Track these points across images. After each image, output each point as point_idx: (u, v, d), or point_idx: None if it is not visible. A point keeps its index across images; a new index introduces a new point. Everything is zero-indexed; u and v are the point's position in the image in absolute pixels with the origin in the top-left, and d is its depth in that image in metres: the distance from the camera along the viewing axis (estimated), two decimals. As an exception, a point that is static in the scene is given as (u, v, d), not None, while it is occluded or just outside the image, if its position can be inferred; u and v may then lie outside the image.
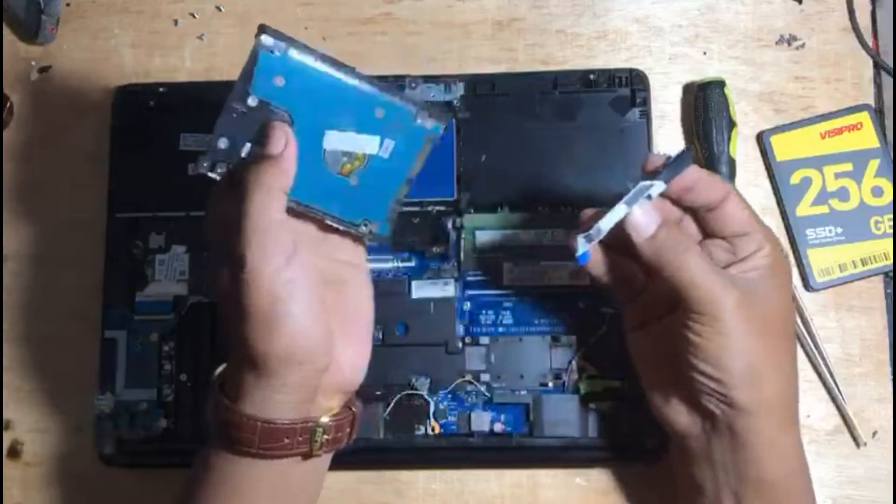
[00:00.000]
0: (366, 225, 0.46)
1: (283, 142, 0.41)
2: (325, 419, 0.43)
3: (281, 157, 0.41)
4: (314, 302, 0.41)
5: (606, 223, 0.45)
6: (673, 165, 0.44)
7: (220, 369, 0.44)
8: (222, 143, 0.42)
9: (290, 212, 0.43)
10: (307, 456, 0.43)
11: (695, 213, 0.46)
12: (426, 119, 0.44)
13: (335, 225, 0.45)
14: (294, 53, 0.42)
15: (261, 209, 0.40)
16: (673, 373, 0.45)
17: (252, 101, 0.42)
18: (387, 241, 0.48)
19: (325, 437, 0.43)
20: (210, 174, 0.42)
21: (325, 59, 0.42)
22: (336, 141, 0.43)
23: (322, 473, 0.46)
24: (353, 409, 0.45)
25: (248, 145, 0.42)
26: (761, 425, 0.43)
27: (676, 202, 0.46)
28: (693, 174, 0.44)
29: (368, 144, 0.44)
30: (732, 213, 0.45)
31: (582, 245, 0.46)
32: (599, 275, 0.47)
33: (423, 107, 0.44)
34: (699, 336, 0.43)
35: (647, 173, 0.45)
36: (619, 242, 0.45)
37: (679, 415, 0.46)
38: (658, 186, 0.44)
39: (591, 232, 0.45)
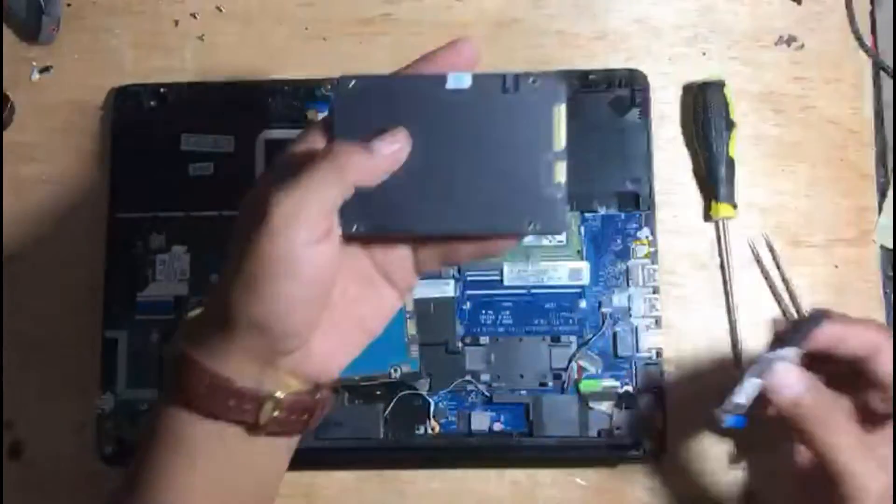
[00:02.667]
0: (395, 370, 0.49)
1: (396, 146, 0.37)
2: (278, 394, 0.39)
3: (381, 155, 0.37)
4: (314, 290, 0.37)
5: (741, 397, 0.42)
6: (805, 326, 0.41)
7: (195, 312, 0.40)
8: None
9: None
10: (252, 428, 0.39)
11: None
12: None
13: (368, 383, 0.47)
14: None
15: (321, 188, 0.36)
16: None
17: None
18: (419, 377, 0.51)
19: (275, 412, 0.38)
20: None
21: None
22: None
23: (275, 465, 0.42)
24: (318, 396, 0.40)
25: None
26: None
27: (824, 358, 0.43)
28: (828, 332, 0.41)
29: None
30: (885, 365, 0.41)
31: (724, 420, 0.43)
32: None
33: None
34: (819, 490, 0.41)
35: (778, 340, 0.42)
36: None
37: None
38: (789, 353, 0.41)
39: (727, 407, 0.42)
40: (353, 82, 0.38)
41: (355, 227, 0.38)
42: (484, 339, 0.53)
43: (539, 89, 0.38)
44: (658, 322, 0.53)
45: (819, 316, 0.42)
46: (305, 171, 0.36)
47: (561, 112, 0.38)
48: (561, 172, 0.38)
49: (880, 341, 0.42)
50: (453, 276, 0.54)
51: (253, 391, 0.38)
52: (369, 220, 0.38)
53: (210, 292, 0.40)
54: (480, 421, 0.53)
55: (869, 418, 0.43)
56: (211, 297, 0.39)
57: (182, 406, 0.38)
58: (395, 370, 0.51)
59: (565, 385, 0.53)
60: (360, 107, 0.38)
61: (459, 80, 0.38)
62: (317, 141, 0.39)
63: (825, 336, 0.42)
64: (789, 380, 0.41)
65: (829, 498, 0.41)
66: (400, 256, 0.40)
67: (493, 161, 0.38)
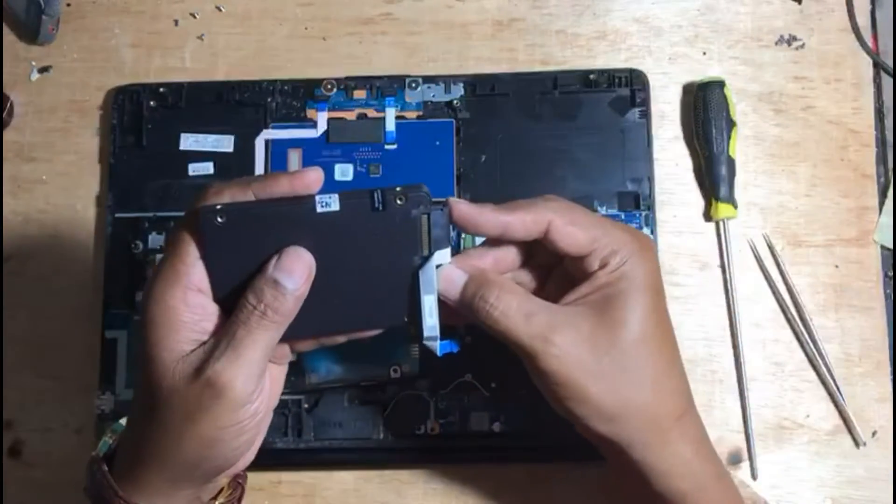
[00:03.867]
0: (395, 370, 0.50)
1: (305, 276, 0.39)
2: (219, 502, 0.42)
3: (299, 292, 0.39)
4: (265, 424, 0.41)
5: (430, 320, 0.41)
6: (432, 231, 0.41)
7: (110, 439, 0.42)
8: None
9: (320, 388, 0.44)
10: None
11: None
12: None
13: (368, 383, 0.48)
14: None
15: (261, 344, 0.38)
16: None
17: None
18: (419, 377, 0.52)
19: None
20: None
21: None
22: None
23: None
24: (241, 481, 0.44)
25: None
26: (635, 456, 0.41)
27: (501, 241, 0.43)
28: (495, 220, 0.41)
29: None
30: (559, 240, 0.41)
31: (437, 349, 0.42)
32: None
33: None
34: (540, 385, 0.41)
35: (423, 256, 0.41)
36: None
37: (579, 431, 0.44)
38: (439, 256, 0.41)
39: (428, 335, 0.42)
40: (220, 216, 0.38)
41: None
42: (484, 340, 0.53)
43: (405, 204, 0.40)
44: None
45: (424, 197, 0.41)
46: (242, 335, 0.38)
47: (428, 221, 0.40)
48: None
49: (547, 215, 0.41)
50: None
51: None
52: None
53: (135, 439, 0.40)
54: (480, 421, 0.53)
55: (567, 282, 0.43)
56: (140, 444, 0.40)
57: None
58: (395, 370, 0.51)
59: (565, 385, 0.53)
60: (233, 236, 0.39)
61: (327, 204, 0.39)
62: (186, 277, 0.38)
63: (490, 225, 0.41)
64: (451, 277, 0.41)
65: (540, 381, 0.41)
66: (282, 346, 0.42)
67: (373, 266, 0.41)
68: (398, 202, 0.40)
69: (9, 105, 0.59)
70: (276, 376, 0.43)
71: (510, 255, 0.44)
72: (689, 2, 0.59)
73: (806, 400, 0.54)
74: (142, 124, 0.57)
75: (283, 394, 0.44)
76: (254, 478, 0.53)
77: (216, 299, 0.39)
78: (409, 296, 0.41)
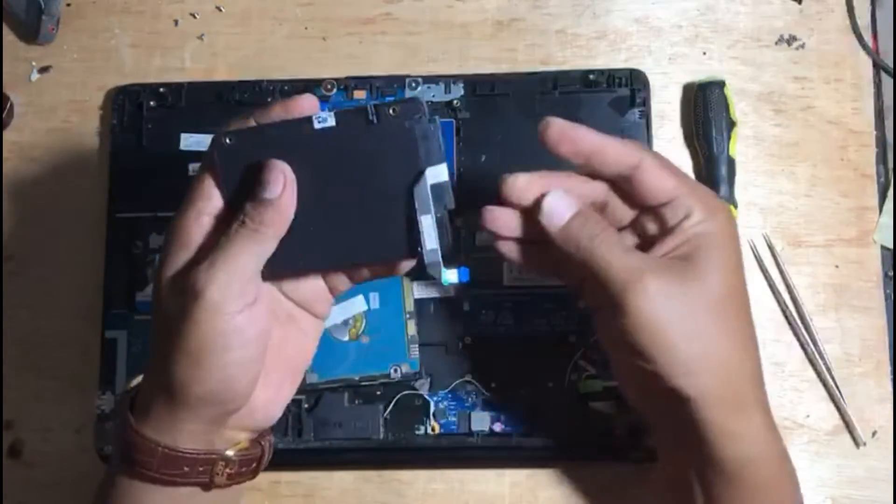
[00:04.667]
0: (395, 370, 0.49)
1: (282, 184, 0.39)
2: (229, 452, 0.41)
3: (279, 201, 0.39)
4: (256, 350, 0.40)
5: (430, 243, 0.40)
6: (424, 143, 0.39)
7: (135, 382, 0.42)
8: None
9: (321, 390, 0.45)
10: (207, 486, 0.41)
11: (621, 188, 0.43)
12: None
13: (369, 384, 0.48)
14: None
15: (244, 255, 0.38)
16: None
17: None
18: (419, 377, 0.51)
19: (228, 470, 0.41)
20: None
21: None
22: (333, 317, 0.45)
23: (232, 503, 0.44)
24: (263, 443, 0.43)
25: None
26: (706, 415, 0.40)
27: (596, 177, 0.43)
28: (589, 140, 0.41)
29: (356, 305, 0.46)
30: (648, 180, 0.41)
31: (444, 276, 0.40)
32: (531, 266, 0.45)
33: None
34: (622, 327, 0.40)
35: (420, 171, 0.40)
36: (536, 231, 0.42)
37: (635, 397, 0.43)
38: (433, 173, 0.40)
39: (431, 261, 0.40)
40: (228, 138, 0.40)
41: (267, 272, 0.40)
42: (484, 340, 0.53)
43: (399, 115, 0.39)
44: (658, 322, 0.53)
45: (417, 104, 0.40)
46: (225, 244, 0.38)
47: (423, 129, 0.40)
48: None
49: (641, 157, 0.41)
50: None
51: (204, 455, 0.40)
52: (279, 264, 0.40)
53: (149, 369, 0.41)
54: (480, 421, 0.53)
55: (647, 246, 0.42)
56: (151, 374, 0.41)
57: (136, 477, 0.40)
58: (396, 370, 0.51)
59: (565, 385, 0.53)
60: (240, 160, 0.40)
61: (324, 120, 0.40)
62: (201, 201, 0.40)
63: (587, 142, 0.41)
64: (560, 207, 0.41)
65: (614, 324, 0.40)
66: (313, 287, 0.43)
67: (373, 189, 0.40)
68: (391, 113, 0.39)
69: (9, 105, 0.59)
70: (308, 329, 0.43)
71: (594, 195, 0.43)
72: (689, 2, 0.59)
73: (806, 400, 0.54)
74: (142, 124, 0.57)
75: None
76: (254, 478, 0.53)
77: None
78: (408, 224, 0.40)
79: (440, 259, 0.40)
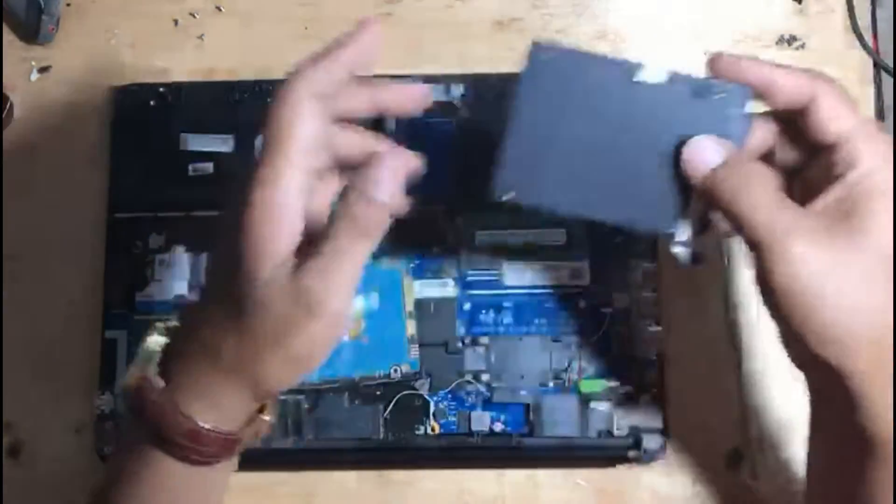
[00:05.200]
0: (395, 370, 0.48)
1: (396, 185, 0.36)
2: (266, 417, 0.40)
3: (390, 205, 0.36)
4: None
5: (686, 227, 0.39)
6: (735, 133, 0.38)
7: (154, 339, 0.39)
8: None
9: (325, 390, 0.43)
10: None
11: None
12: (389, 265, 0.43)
13: (369, 384, 0.47)
14: None
15: (358, 259, 0.36)
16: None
17: None
18: (419, 377, 0.50)
19: (245, 445, 0.40)
20: None
21: None
22: None
23: (228, 475, 0.42)
24: (267, 418, 0.41)
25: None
26: (860, 388, 0.36)
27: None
28: (757, 70, 0.38)
29: (356, 305, 0.46)
30: (821, 117, 0.37)
31: (687, 257, 0.40)
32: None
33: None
34: (766, 290, 0.36)
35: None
36: None
37: (792, 356, 0.40)
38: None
39: (680, 240, 0.39)
40: (548, 53, 0.39)
41: (508, 195, 0.39)
42: (484, 339, 0.53)
43: (723, 99, 0.38)
44: (658, 322, 0.53)
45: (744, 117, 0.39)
46: (335, 243, 0.35)
47: (740, 124, 0.38)
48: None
49: (817, 86, 0.38)
50: (453, 276, 0.54)
51: (234, 436, 0.38)
52: (523, 191, 0.39)
53: (203, 345, 0.37)
54: (480, 421, 0.53)
55: (810, 194, 0.38)
56: (210, 357, 0.37)
57: (156, 447, 0.38)
58: (396, 370, 0.51)
59: (565, 385, 0.53)
60: (547, 79, 0.39)
61: (657, 74, 0.39)
62: (308, 158, 0.37)
63: (752, 74, 0.38)
64: (706, 151, 0.38)
65: (768, 285, 0.36)
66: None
67: (658, 159, 0.39)
68: (717, 95, 0.38)
69: (9, 105, 0.59)
70: None
71: (762, 134, 0.40)
72: (689, 2, 0.59)
73: (806, 400, 0.54)
74: (142, 124, 0.57)
75: (282, 393, 0.44)
76: (253, 478, 0.54)
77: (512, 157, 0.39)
78: (681, 204, 0.39)
79: (691, 246, 0.40)
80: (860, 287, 0.36)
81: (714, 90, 0.38)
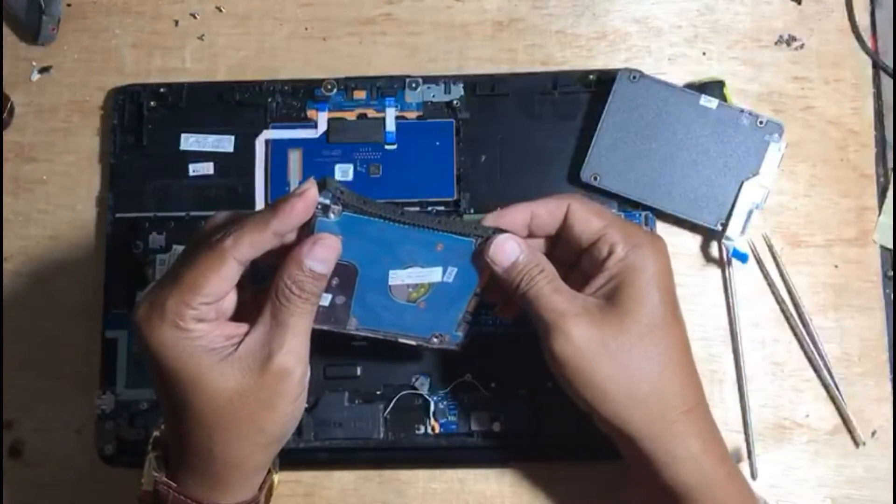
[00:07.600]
0: (437, 338, 0.48)
1: (333, 260, 0.41)
2: (276, 476, 0.45)
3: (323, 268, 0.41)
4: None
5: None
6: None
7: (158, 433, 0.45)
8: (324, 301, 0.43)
9: (360, 337, 0.46)
10: None
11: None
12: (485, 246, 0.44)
13: (406, 342, 0.47)
14: (350, 212, 0.41)
15: (306, 320, 0.41)
16: None
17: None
18: (459, 348, 0.49)
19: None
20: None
21: (379, 207, 0.42)
22: (401, 278, 0.44)
23: None
24: (273, 474, 0.46)
25: (330, 296, 0.44)
26: (644, 445, 0.42)
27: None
28: (516, 214, 0.44)
29: (432, 275, 0.45)
30: (576, 224, 0.44)
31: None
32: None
33: (481, 233, 0.44)
34: (552, 365, 0.43)
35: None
36: None
37: (599, 424, 0.45)
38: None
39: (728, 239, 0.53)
40: (637, 76, 0.53)
41: (593, 177, 0.53)
42: (484, 339, 0.53)
43: (760, 128, 0.52)
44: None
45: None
46: (286, 311, 0.40)
47: (774, 149, 0.52)
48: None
49: (567, 204, 0.44)
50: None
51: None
52: (605, 177, 0.53)
53: (181, 439, 0.42)
54: (480, 421, 0.53)
55: (585, 280, 0.44)
56: (189, 452, 0.41)
57: None
58: (438, 338, 0.48)
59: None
60: (630, 96, 0.54)
61: (709, 101, 0.54)
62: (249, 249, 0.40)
63: (518, 218, 0.44)
64: (508, 247, 0.43)
65: (552, 362, 0.43)
66: None
67: (709, 166, 0.53)
68: (759, 124, 0.53)
69: (9, 105, 0.59)
70: None
71: (536, 245, 0.46)
72: (688, 2, 0.59)
73: (805, 400, 0.54)
74: (142, 124, 0.57)
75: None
76: (254, 478, 0.53)
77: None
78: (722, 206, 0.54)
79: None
80: (629, 358, 0.42)
81: (755, 119, 0.52)
